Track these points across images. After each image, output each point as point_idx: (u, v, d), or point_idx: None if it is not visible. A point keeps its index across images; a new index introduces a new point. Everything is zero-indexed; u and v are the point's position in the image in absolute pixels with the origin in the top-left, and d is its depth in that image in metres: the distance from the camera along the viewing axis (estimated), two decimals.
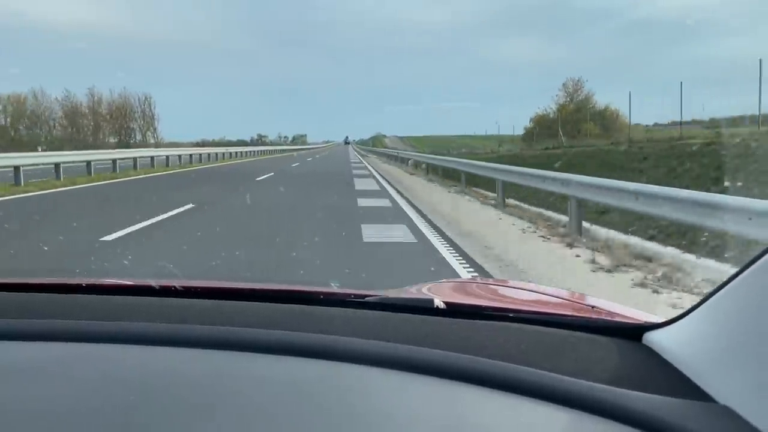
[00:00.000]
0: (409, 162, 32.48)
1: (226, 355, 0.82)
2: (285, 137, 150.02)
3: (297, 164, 34.66)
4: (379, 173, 25.16)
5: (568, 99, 58.77)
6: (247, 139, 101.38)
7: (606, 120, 48.83)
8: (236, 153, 45.93)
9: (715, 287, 0.76)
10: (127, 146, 56.26)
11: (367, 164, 35.73)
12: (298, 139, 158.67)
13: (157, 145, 61.47)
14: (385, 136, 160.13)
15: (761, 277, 0.68)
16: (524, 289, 1.52)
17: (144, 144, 64.32)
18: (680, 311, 0.83)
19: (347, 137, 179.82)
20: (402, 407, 0.71)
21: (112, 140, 67.64)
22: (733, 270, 0.73)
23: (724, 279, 0.74)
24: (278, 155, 58.96)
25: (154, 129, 71.03)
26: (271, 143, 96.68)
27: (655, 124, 41.75)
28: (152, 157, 28.04)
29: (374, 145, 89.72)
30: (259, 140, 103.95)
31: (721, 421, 0.64)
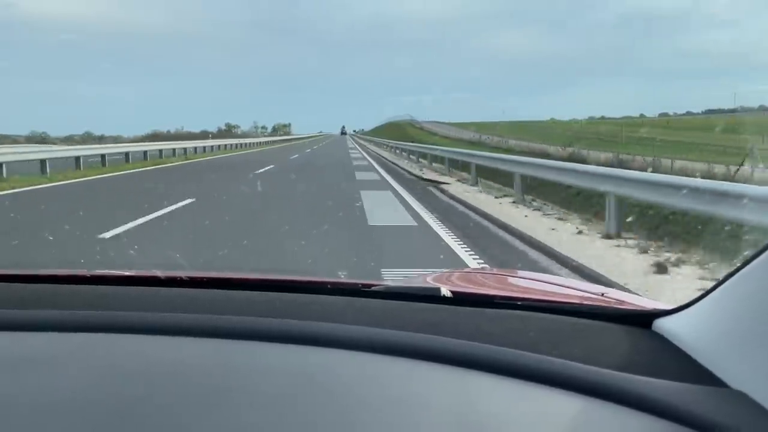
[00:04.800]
0: None
1: (233, 344, 0.82)
2: (263, 127, 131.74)
3: None
4: None
5: None
6: (214, 129, 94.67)
7: None
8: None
9: (726, 274, 0.76)
10: None
11: None
12: (280, 130, 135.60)
13: None
14: (416, 120, 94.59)
15: None
16: (532, 279, 1.52)
17: None
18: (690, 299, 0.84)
19: (344, 127, 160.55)
20: (410, 395, 0.71)
21: None
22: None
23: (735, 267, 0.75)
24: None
25: None
26: (244, 135, 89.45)
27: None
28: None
29: (410, 137, 46.17)
30: (228, 131, 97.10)
31: (735, 406, 0.65)
